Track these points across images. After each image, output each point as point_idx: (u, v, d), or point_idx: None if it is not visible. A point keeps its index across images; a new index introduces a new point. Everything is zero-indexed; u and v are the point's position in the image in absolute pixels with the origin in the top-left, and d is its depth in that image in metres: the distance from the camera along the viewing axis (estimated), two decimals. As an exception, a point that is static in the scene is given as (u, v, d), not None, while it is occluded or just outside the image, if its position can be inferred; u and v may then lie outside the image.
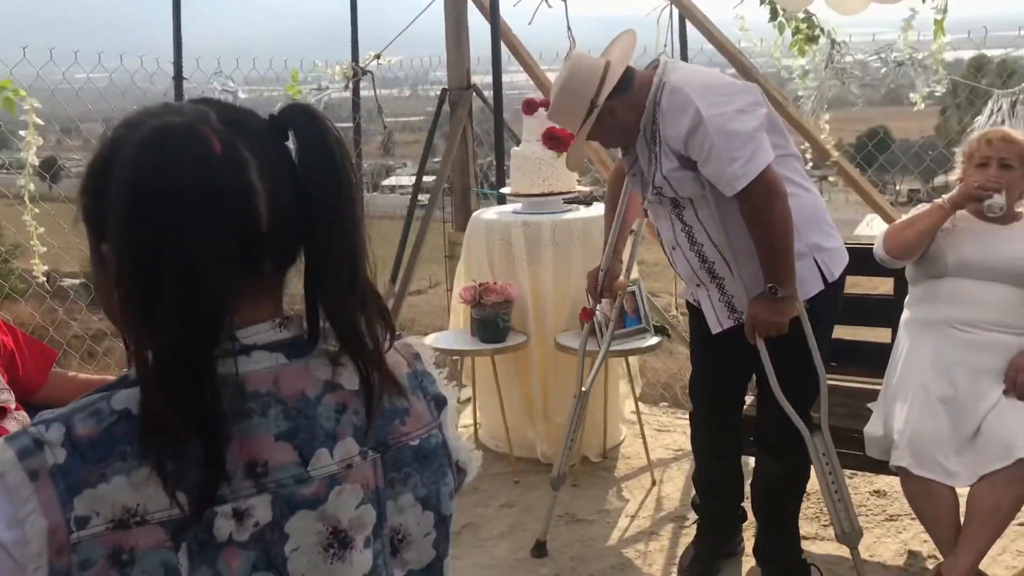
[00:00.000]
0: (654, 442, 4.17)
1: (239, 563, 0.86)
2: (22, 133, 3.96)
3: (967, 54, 4.96)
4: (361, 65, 4.81)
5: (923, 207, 2.98)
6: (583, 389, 3.25)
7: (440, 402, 1.04)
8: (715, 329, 2.76)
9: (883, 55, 4.04)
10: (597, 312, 3.75)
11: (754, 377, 2.99)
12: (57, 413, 0.86)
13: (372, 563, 0.94)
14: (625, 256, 3.23)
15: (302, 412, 0.91)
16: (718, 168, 2.45)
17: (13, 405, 2.44)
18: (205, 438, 0.84)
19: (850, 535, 2.79)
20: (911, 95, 3.98)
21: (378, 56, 4.88)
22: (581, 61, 2.64)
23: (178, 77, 4.13)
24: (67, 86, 4.09)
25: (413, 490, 0.98)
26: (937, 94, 4.00)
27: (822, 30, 4.16)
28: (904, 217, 3.06)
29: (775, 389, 2.70)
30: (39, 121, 3.81)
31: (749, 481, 3.05)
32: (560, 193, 4.11)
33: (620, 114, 2.61)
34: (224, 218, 0.85)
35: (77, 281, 5.61)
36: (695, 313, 2.95)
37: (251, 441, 0.88)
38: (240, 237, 0.86)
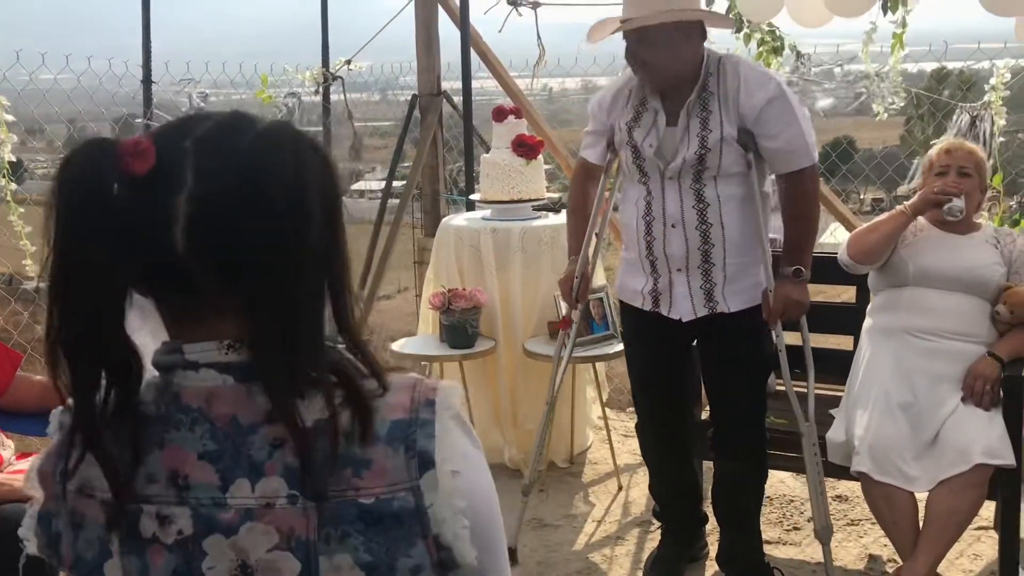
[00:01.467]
0: (621, 447, 4.20)
1: (162, 563, 0.89)
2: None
3: (930, 66, 5.07)
4: (331, 71, 4.82)
5: (886, 214, 3.05)
6: (554, 396, 3.23)
7: (425, 462, 0.88)
8: (688, 317, 2.76)
9: (844, 68, 4.12)
10: (565, 318, 3.80)
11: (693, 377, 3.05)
12: None
13: None
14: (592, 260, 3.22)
15: (229, 437, 0.88)
16: (795, 141, 2.61)
17: (-22, 408, 2.43)
18: (84, 436, 0.90)
19: (826, 530, 2.86)
20: (872, 106, 4.07)
21: (348, 62, 4.89)
22: None
23: (147, 81, 4.11)
24: (34, 87, 4.05)
25: (352, 552, 0.87)
26: (895, 107, 4.09)
27: (783, 42, 4.23)
28: (867, 224, 3.13)
29: (786, 380, 2.79)
30: (10, 118, 3.77)
31: (708, 486, 3.09)
32: (529, 200, 4.14)
33: (691, 45, 2.61)
34: (111, 231, 0.86)
35: (42, 284, 5.53)
36: (634, 312, 2.89)
37: (176, 452, 0.89)
38: (136, 253, 0.88)
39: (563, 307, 3.16)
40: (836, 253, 3.17)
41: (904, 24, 3.84)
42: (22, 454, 2.56)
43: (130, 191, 0.86)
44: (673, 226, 2.71)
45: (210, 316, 0.91)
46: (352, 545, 0.86)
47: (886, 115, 4.16)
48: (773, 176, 2.78)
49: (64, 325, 0.88)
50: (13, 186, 3.88)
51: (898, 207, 3.01)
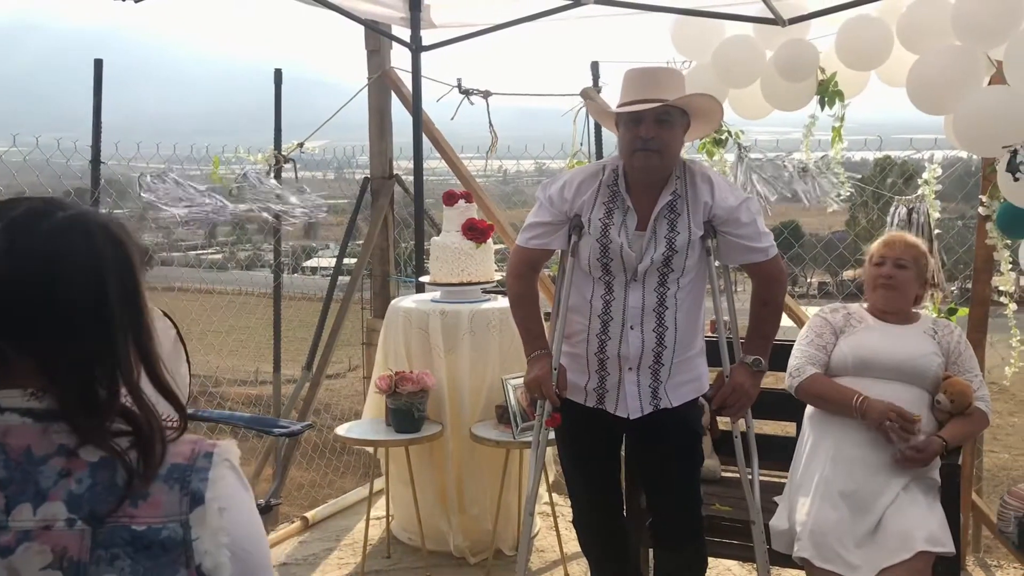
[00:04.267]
0: (567, 535, 4.14)
1: None
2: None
3: (873, 154, 5.23)
4: (284, 153, 4.85)
5: (841, 389, 2.97)
6: (534, 495, 2.98)
7: (196, 500, 1.04)
8: (635, 415, 2.76)
9: (786, 160, 4.23)
10: (513, 402, 3.78)
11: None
12: None
13: None
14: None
15: (21, 466, 1.00)
16: (761, 237, 2.74)
17: None
18: None
19: None
20: (822, 197, 4.16)
21: (301, 145, 4.93)
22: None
23: (95, 161, 4.09)
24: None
25: (119, 573, 0.99)
26: (842, 197, 4.19)
27: (730, 133, 4.34)
28: (822, 382, 3.00)
29: (740, 468, 2.83)
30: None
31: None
32: (478, 283, 4.16)
33: (678, 137, 2.69)
34: None
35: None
36: (572, 407, 2.82)
37: None
38: None
39: (546, 405, 2.81)
40: (783, 341, 3.21)
41: (842, 118, 3.98)
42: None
43: None
44: (632, 327, 2.71)
45: (16, 369, 1.03)
46: (119, 567, 0.99)
47: (836, 206, 4.27)
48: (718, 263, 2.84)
49: None
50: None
51: (856, 398, 2.88)
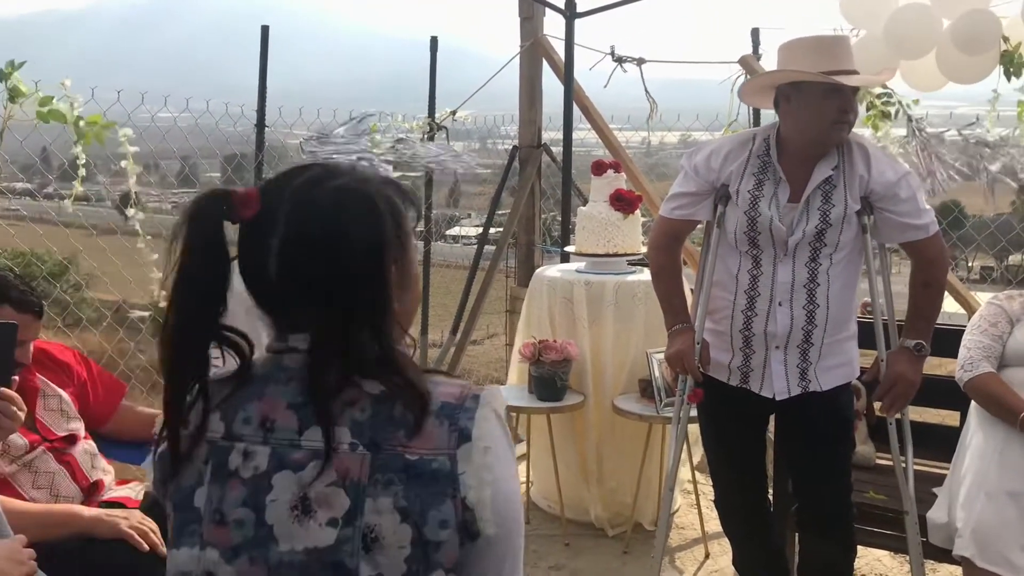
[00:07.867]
0: (709, 513, 4.08)
1: (236, 493, 1.11)
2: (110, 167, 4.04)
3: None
4: (437, 120, 4.93)
5: (1009, 397, 2.79)
6: (675, 470, 2.98)
7: (464, 437, 1.10)
8: (781, 396, 2.67)
9: (963, 133, 3.98)
10: (657, 376, 3.74)
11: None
12: None
13: (333, 542, 1.07)
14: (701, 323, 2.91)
15: (315, 394, 1.11)
16: (922, 214, 2.61)
17: (82, 434, 2.51)
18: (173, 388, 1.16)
19: None
20: (1015, 177, 3.90)
21: (454, 113, 5.00)
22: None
23: (260, 125, 4.26)
24: (154, 126, 4.23)
25: (393, 497, 1.07)
26: None
27: (902, 103, 4.12)
28: (995, 384, 2.82)
29: (894, 456, 2.72)
30: (134, 149, 3.89)
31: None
32: (624, 255, 4.11)
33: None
34: (220, 260, 1.14)
35: (146, 313, 5.72)
36: (715, 385, 2.75)
37: (270, 402, 1.13)
38: (246, 276, 1.16)
39: (688, 381, 2.78)
40: (948, 326, 3.05)
41: (1030, 89, 3.69)
42: (121, 480, 2.63)
43: (240, 232, 1.15)
44: (780, 304, 2.62)
45: (304, 315, 1.14)
46: (393, 491, 1.07)
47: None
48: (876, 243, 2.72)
49: (180, 313, 1.13)
50: (141, 215, 3.96)
51: (1022, 415, 2.72)
